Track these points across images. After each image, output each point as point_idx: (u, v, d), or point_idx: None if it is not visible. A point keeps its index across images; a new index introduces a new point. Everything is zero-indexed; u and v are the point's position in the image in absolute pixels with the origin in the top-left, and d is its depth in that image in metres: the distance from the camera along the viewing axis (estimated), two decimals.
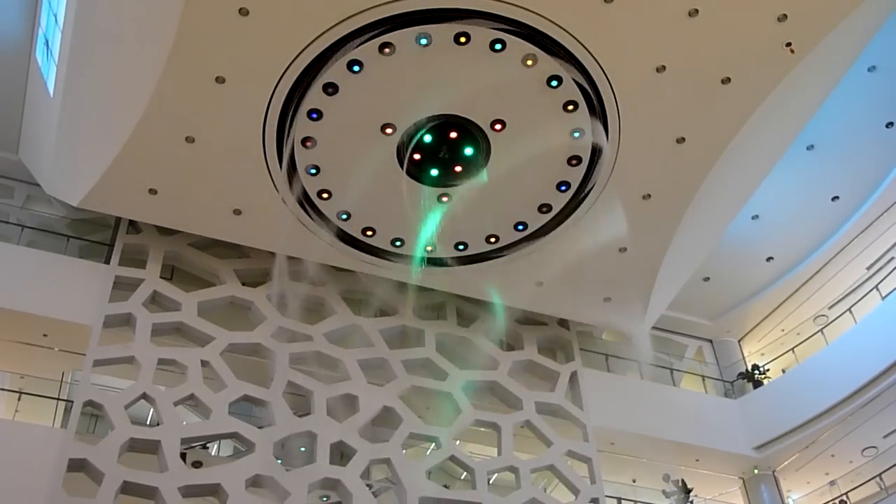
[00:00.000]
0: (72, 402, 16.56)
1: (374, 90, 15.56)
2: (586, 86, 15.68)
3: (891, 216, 21.93)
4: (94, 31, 15.59)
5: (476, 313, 20.87)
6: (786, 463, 22.73)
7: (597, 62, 15.33)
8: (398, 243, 18.49)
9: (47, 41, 17.58)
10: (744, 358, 25.76)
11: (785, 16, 14.81)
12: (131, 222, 19.10)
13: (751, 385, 24.04)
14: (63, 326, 17.37)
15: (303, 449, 17.86)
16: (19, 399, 17.90)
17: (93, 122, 16.86)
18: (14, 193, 20.29)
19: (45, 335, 17.64)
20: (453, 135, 16.35)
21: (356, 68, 15.18)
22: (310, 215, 17.72)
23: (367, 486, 17.45)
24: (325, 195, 17.39)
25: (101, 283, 18.04)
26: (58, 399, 17.59)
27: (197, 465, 16.81)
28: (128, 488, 15.50)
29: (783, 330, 25.47)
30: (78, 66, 16.18)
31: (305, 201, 17.47)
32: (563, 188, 17.58)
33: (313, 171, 16.91)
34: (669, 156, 17.07)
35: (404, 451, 18.42)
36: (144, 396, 16.73)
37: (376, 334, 19.64)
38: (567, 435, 19.95)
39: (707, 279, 23.84)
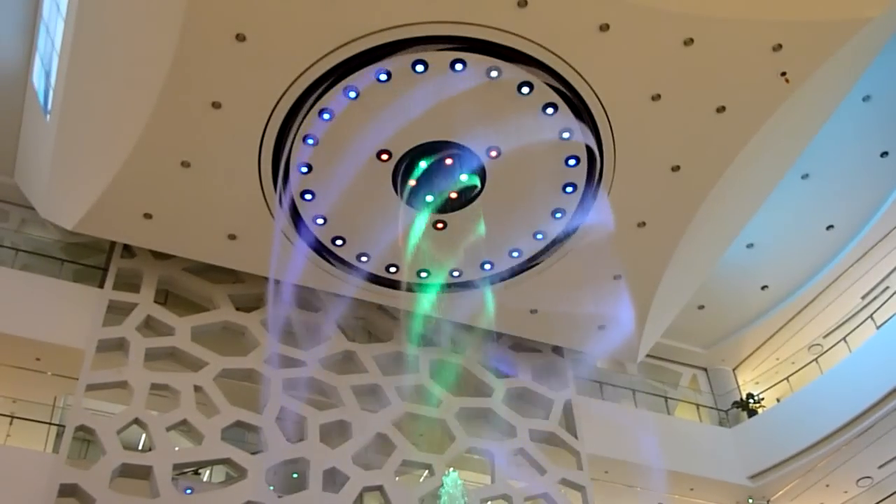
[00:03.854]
0: (64, 426, 16.44)
1: (370, 116, 15.58)
2: (582, 113, 15.74)
3: (886, 245, 21.99)
4: (90, 56, 15.65)
5: (470, 340, 20.79)
6: (781, 492, 22.60)
7: (592, 90, 15.42)
8: (392, 269, 18.47)
9: (44, 65, 17.62)
10: (738, 386, 25.73)
11: (780, 45, 14.90)
12: (126, 246, 19.05)
13: (745, 414, 23.98)
14: (56, 350, 17.29)
15: (295, 475, 17.75)
16: (11, 423, 17.74)
17: (88, 146, 16.88)
18: (9, 217, 20.25)
19: (37, 359, 17.54)
20: (449, 162, 16.35)
21: (352, 94, 15.23)
22: (305, 241, 17.69)
23: None
24: (319, 220, 17.39)
25: (95, 308, 17.98)
26: (50, 423, 17.48)
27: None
28: None
29: (778, 359, 25.45)
30: (74, 90, 16.22)
31: (300, 226, 17.45)
32: (559, 215, 17.60)
33: (308, 196, 16.92)
34: (664, 184, 17.12)
35: (397, 479, 18.31)
36: (137, 421, 16.63)
37: (370, 360, 19.57)
38: (561, 463, 19.84)
39: (702, 307, 23.81)
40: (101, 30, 15.35)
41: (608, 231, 17.48)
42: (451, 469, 16.77)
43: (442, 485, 16.63)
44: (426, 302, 19.07)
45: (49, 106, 17.49)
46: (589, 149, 16.34)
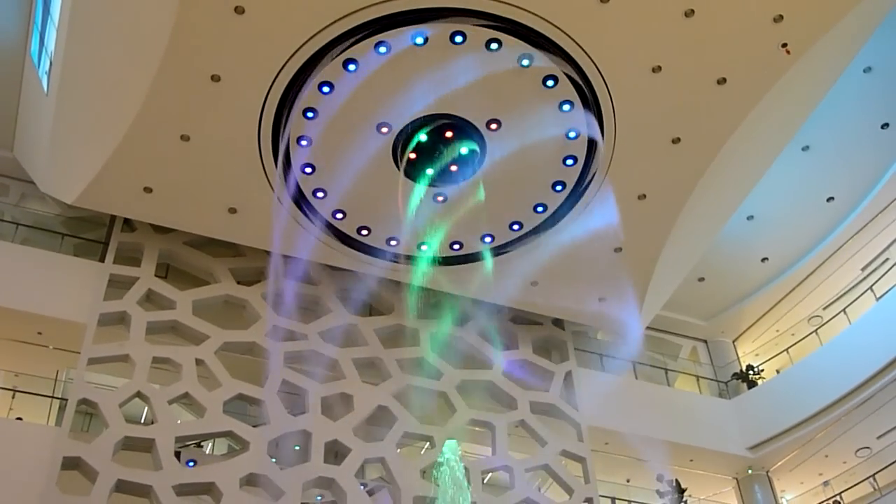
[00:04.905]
0: (66, 400, 16.54)
1: (370, 89, 15.53)
2: (582, 85, 15.70)
3: (886, 217, 21.99)
4: (89, 29, 15.59)
5: (471, 312, 20.83)
6: (780, 463, 22.74)
7: (592, 62, 15.36)
8: (393, 242, 18.49)
9: (42, 39, 17.55)
10: (738, 358, 25.77)
11: (781, 17, 14.84)
12: (126, 220, 19.06)
13: (745, 385, 24.02)
14: (57, 324, 17.35)
15: (297, 447, 17.85)
16: (13, 397, 17.89)
17: (88, 120, 16.85)
18: (9, 191, 20.23)
19: (39, 333, 17.61)
20: (449, 134, 16.31)
21: (352, 67, 15.19)
22: (305, 214, 17.71)
23: (362, 485, 17.44)
24: (320, 194, 17.38)
25: (96, 282, 18.02)
26: (52, 397, 17.60)
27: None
28: (122, 486, 15.49)
29: (778, 330, 25.49)
30: (73, 63, 16.17)
31: (300, 200, 17.45)
32: (559, 188, 17.59)
33: (308, 169, 16.91)
34: (665, 156, 17.09)
35: (399, 451, 18.41)
36: (139, 395, 16.73)
37: (371, 333, 19.62)
38: (561, 434, 19.95)
39: (702, 279, 23.82)
40: (100, 2, 15.27)
41: (610, 203, 17.51)
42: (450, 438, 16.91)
43: (441, 453, 16.79)
44: (426, 275, 19.09)
45: (48, 80, 17.42)
46: (589, 120, 16.29)
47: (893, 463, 21.10)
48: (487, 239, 18.55)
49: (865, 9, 15.18)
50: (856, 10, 15.02)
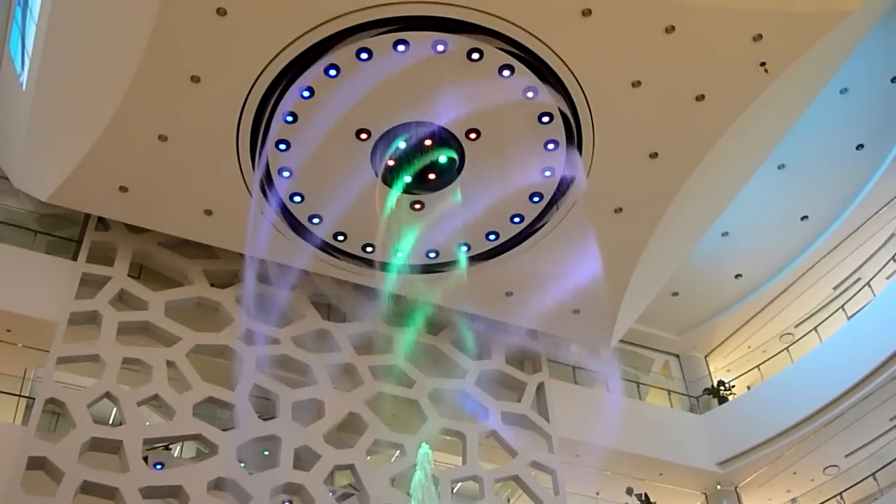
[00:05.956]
0: (34, 399, 16.39)
1: (351, 95, 15.51)
2: (562, 97, 15.75)
3: (859, 237, 22.18)
4: (69, 26, 15.47)
5: (445, 321, 20.82)
6: (748, 479, 22.84)
7: (573, 74, 15.43)
8: (369, 249, 18.46)
9: (22, 34, 17.41)
10: (710, 373, 25.91)
11: (760, 36, 14.97)
12: (100, 219, 18.93)
13: (716, 401, 24.14)
14: (27, 322, 17.19)
15: (266, 452, 17.75)
16: None
17: (65, 118, 16.73)
18: None
19: (8, 330, 17.42)
20: (428, 142, 16.32)
21: (333, 73, 15.17)
22: (282, 217, 17.64)
23: (331, 492, 17.37)
24: (297, 198, 17.34)
25: (68, 280, 17.87)
26: (19, 396, 17.39)
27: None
28: (87, 488, 15.35)
29: (749, 347, 25.65)
30: (51, 60, 16.05)
31: (276, 203, 17.39)
32: (536, 199, 17.63)
33: (286, 174, 16.87)
34: (642, 170, 17.18)
35: (369, 458, 18.36)
36: (108, 395, 16.59)
37: (344, 339, 19.56)
38: (532, 445, 19.94)
39: (676, 294, 23.94)
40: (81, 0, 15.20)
41: (584, 219, 17.59)
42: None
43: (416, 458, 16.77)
44: (401, 282, 19.07)
45: (25, 75, 17.28)
46: (568, 134, 16.35)
47: (861, 481, 21.24)
48: (464, 248, 18.55)
49: (843, 31, 15.34)
50: (833, 32, 15.18)
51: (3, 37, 18.27)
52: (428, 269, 18.96)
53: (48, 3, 15.43)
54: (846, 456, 22.06)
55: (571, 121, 16.14)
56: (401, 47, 14.88)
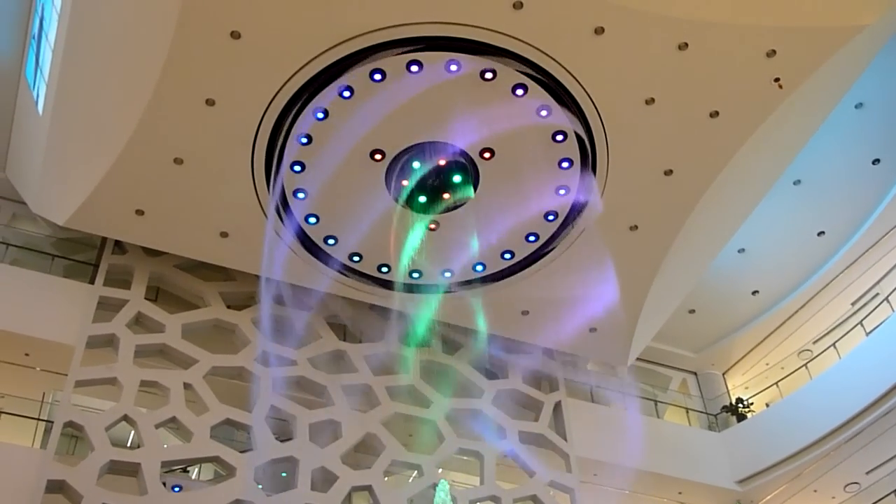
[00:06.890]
0: (52, 422, 16.39)
1: (365, 116, 15.55)
2: (576, 116, 15.75)
3: (876, 252, 22.07)
4: (84, 51, 15.62)
5: (461, 341, 20.77)
6: (768, 497, 22.64)
7: (586, 92, 15.43)
8: (385, 269, 18.46)
9: (37, 59, 17.57)
10: (728, 391, 25.77)
11: (774, 51, 14.94)
12: (117, 243, 19.01)
13: (734, 418, 24.02)
14: (45, 346, 17.24)
15: (284, 474, 17.72)
16: None
17: (81, 142, 16.83)
18: (0, 211, 20.17)
19: (26, 354, 17.49)
20: (442, 162, 16.34)
21: (347, 94, 15.23)
22: (297, 239, 17.67)
23: None
24: (312, 219, 17.37)
25: (85, 304, 17.93)
26: (38, 419, 17.45)
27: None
28: None
29: (767, 364, 25.50)
30: (67, 85, 16.17)
31: (293, 226, 17.42)
32: (551, 217, 17.61)
33: (301, 195, 16.90)
34: (657, 188, 17.14)
35: (386, 479, 18.29)
36: (126, 418, 16.59)
37: (361, 360, 19.55)
38: (550, 465, 19.84)
39: (692, 311, 23.86)
40: (96, 24, 15.31)
41: (599, 237, 17.56)
42: (442, 476, 16.78)
43: (435, 492, 16.71)
44: (418, 302, 19.06)
45: (42, 100, 17.42)
46: (583, 152, 16.35)
47: (883, 498, 21.06)
48: (479, 268, 18.53)
49: (857, 46, 15.28)
50: (848, 47, 15.12)
51: (20, 62, 18.43)
52: (443, 288, 18.91)
53: (64, 27, 15.57)
54: (867, 473, 21.83)
55: (585, 139, 16.14)
56: (414, 68, 14.92)
